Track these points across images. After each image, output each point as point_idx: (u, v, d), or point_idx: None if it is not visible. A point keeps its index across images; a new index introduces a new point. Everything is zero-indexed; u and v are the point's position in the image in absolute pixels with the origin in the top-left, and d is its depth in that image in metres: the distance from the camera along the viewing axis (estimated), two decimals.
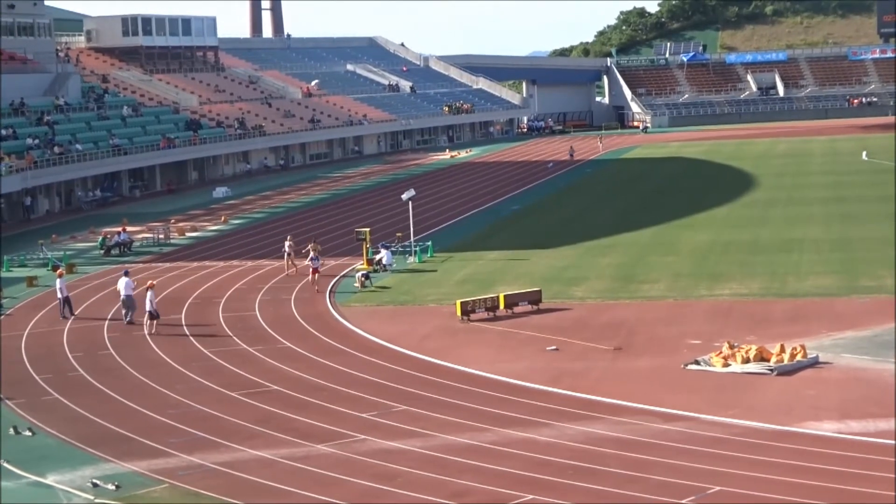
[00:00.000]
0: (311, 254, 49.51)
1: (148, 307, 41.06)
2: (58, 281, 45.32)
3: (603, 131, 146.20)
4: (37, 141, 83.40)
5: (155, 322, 41.10)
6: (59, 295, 44.90)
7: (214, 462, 26.07)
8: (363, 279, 48.61)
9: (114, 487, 24.54)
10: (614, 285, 46.54)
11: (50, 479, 25.30)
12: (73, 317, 44.41)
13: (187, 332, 41.03)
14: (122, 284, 43.26)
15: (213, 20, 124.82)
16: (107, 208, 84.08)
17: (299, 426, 28.69)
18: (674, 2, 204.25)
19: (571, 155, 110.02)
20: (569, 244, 57.46)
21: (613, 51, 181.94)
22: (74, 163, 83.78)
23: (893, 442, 25.64)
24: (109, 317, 44.22)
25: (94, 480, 24.94)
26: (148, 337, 40.35)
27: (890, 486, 23.02)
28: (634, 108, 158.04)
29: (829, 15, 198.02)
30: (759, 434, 26.71)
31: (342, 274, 51.75)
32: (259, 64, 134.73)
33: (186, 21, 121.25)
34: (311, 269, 48.71)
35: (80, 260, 58.94)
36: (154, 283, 43.49)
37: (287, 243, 52.98)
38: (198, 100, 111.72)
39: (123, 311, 43.15)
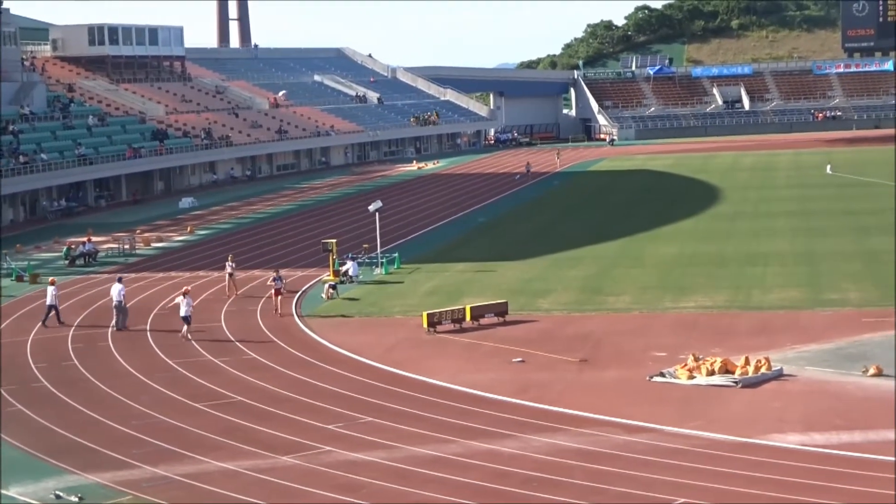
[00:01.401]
0: (273, 274, 46.75)
1: (183, 312, 41.35)
2: (50, 288, 45.21)
3: (559, 144, 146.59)
4: (1, 150, 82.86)
5: (187, 327, 41.29)
6: (51, 302, 44.70)
7: (179, 473, 25.96)
8: (330, 290, 48.54)
9: (77, 499, 24.40)
10: (580, 297, 46.65)
11: (12, 491, 25.12)
12: (44, 326, 44.21)
13: (152, 343, 40.85)
14: (115, 291, 43.70)
15: (179, 30, 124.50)
16: (72, 218, 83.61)
17: (264, 437, 28.62)
18: (640, 15, 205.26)
19: (528, 171, 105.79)
20: (535, 256, 57.54)
21: (580, 63, 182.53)
22: (39, 172, 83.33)
23: (858, 454, 25.84)
24: (75, 325, 44.03)
25: (58, 492, 24.79)
26: (112, 346, 40.19)
27: (852, 497, 23.17)
28: (601, 120, 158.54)
29: (795, 29, 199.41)
30: (724, 446, 26.83)
31: (308, 285, 51.60)
32: (226, 74, 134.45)
33: (153, 30, 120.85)
34: (273, 291, 46.00)
35: (45, 270, 58.50)
36: (189, 288, 43.90)
37: (228, 263, 51.01)
38: (164, 109, 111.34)
39: (115, 319, 43.47)
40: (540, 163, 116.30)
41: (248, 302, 48.19)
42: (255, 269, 56.16)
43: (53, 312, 44.70)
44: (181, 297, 42.24)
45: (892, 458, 25.35)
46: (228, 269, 50.40)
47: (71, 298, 50.43)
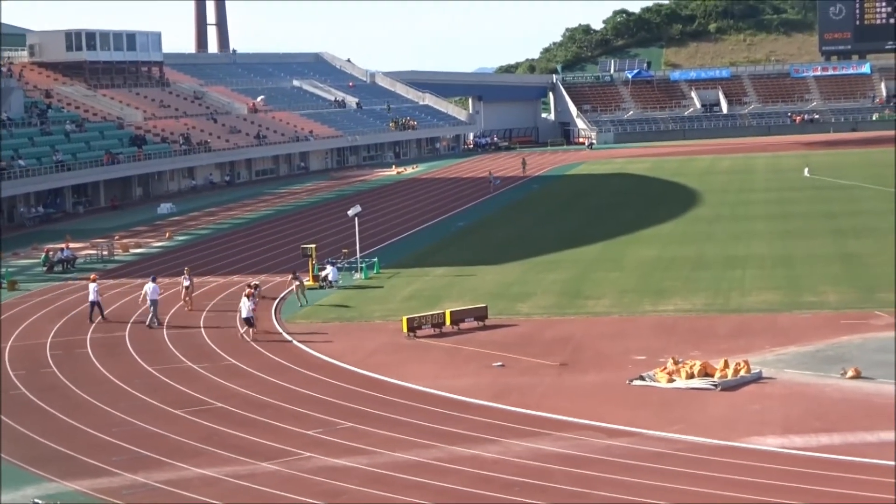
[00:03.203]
0: (252, 292, 43.11)
1: (244, 314, 41.67)
2: (92, 285, 46.37)
3: (538, 148, 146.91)
4: None
5: (251, 329, 41.65)
6: (94, 298, 46.08)
7: (158, 480, 25.89)
8: (295, 283, 48.39)
9: None
10: (560, 301, 46.69)
11: None
12: (102, 320, 45.88)
13: (131, 349, 40.73)
14: (150, 289, 45.08)
15: (157, 35, 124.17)
16: (50, 224, 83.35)
17: (244, 444, 28.55)
18: (618, 19, 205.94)
19: (491, 182, 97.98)
20: (515, 260, 57.58)
21: (559, 67, 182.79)
22: (17, 178, 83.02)
23: (837, 456, 25.93)
24: (53, 333, 43.87)
25: (37, 500, 24.66)
26: (91, 353, 40.04)
27: (830, 499, 23.24)
28: (580, 124, 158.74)
29: (772, 33, 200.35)
30: (703, 449, 26.88)
31: (287, 290, 51.45)
32: (204, 79, 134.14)
33: (131, 36, 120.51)
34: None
35: (23, 277, 58.33)
36: (251, 290, 43.82)
37: (184, 276, 48.96)
38: (142, 115, 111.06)
39: (149, 317, 44.80)
40: (508, 169, 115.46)
41: (227, 308, 48.02)
42: (235, 275, 56.08)
43: (97, 308, 46.20)
44: (244, 298, 42.42)
45: (871, 461, 25.45)
46: (185, 282, 48.72)
47: (49, 305, 50.30)
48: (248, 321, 41.76)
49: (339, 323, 44.56)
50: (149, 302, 45.01)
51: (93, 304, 46.20)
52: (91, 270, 60.39)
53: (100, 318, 46.08)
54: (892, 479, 24.17)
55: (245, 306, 41.86)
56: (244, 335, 41.80)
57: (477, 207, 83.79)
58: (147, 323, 44.66)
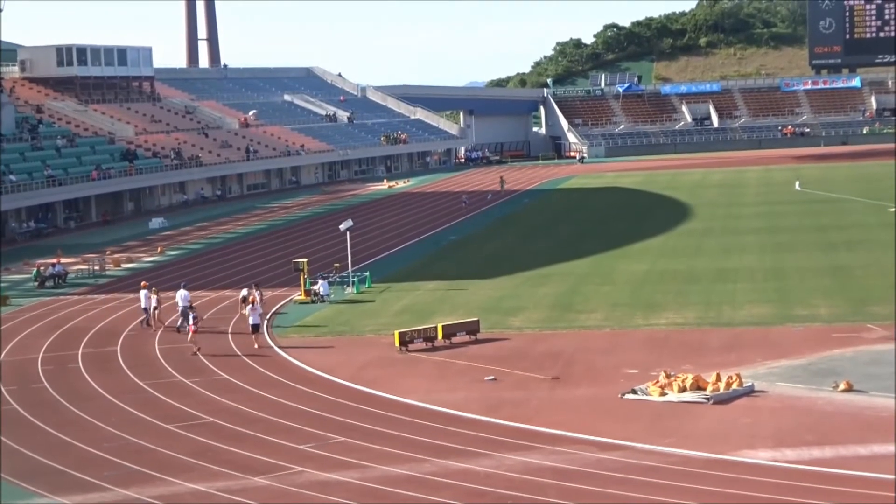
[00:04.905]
0: (255, 298, 44.60)
1: (252, 321, 42.71)
2: (143, 292, 47.72)
3: (516, 161, 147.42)
4: None
5: (259, 336, 42.82)
6: (145, 305, 47.35)
7: (150, 496, 25.82)
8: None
9: None
10: (552, 315, 46.68)
11: None
12: (145, 326, 47.16)
13: (123, 364, 40.65)
14: (180, 296, 46.40)
15: (148, 50, 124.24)
16: (41, 240, 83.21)
17: (236, 458, 28.50)
18: (609, 33, 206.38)
19: (465, 202, 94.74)
20: (506, 274, 57.58)
21: (550, 81, 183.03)
22: (8, 194, 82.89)
23: (828, 469, 25.94)
24: (44, 348, 43.77)
25: None
26: (82, 368, 39.96)
27: None
28: (571, 138, 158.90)
29: (762, 47, 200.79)
30: (696, 462, 26.87)
31: (279, 305, 51.43)
32: (195, 94, 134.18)
33: (122, 51, 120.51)
34: (190, 327, 42.71)
35: (14, 292, 58.20)
36: (255, 297, 45.09)
37: (153, 295, 47.39)
38: (133, 130, 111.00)
39: (179, 321, 45.91)
40: (492, 186, 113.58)
41: (219, 322, 48.00)
42: (226, 290, 56.03)
43: (147, 315, 47.40)
44: (249, 306, 43.48)
45: (863, 473, 25.45)
46: (154, 302, 47.45)
47: (40, 320, 50.20)
48: (255, 328, 42.60)
49: (330, 337, 44.52)
50: (180, 308, 46.10)
51: (145, 310, 47.35)
52: (83, 285, 60.40)
53: (144, 324, 47.22)
54: (883, 492, 24.17)
55: (251, 313, 42.67)
56: (256, 342, 42.32)
57: (468, 222, 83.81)
58: (177, 326, 45.88)
